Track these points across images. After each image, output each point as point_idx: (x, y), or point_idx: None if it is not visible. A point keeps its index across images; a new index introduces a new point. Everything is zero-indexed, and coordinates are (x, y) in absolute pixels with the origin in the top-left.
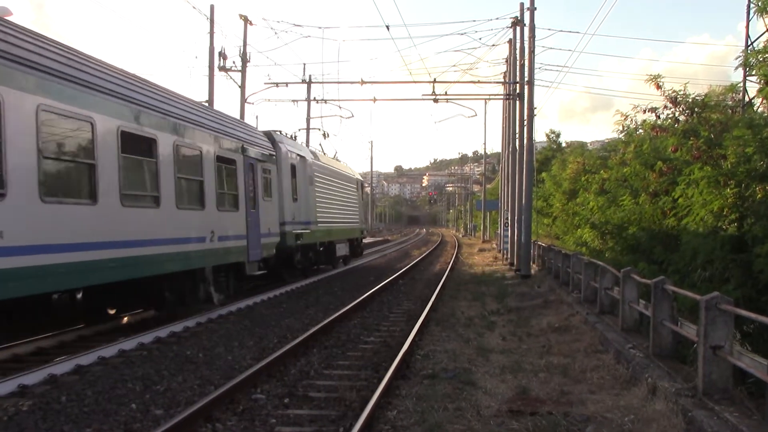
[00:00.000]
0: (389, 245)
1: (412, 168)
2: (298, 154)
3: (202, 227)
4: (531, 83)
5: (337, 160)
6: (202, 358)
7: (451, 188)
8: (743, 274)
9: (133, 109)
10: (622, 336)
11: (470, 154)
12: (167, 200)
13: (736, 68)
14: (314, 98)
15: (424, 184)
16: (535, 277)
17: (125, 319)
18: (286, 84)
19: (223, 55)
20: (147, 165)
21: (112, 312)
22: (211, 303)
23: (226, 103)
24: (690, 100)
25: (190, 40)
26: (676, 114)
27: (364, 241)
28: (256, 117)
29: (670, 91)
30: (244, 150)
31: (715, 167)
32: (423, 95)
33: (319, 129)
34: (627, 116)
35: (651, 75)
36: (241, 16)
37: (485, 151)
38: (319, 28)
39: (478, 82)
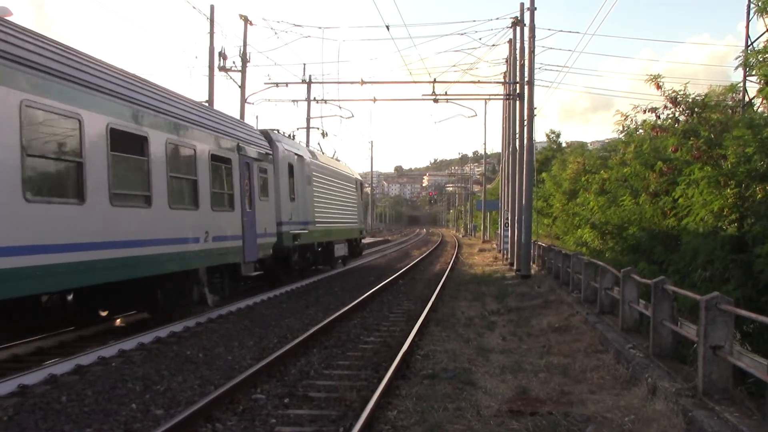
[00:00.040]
0: (389, 245)
1: (412, 168)
2: (296, 154)
3: (196, 227)
4: (531, 83)
5: (336, 159)
6: (202, 358)
7: (451, 188)
8: (743, 274)
9: (123, 105)
10: (622, 336)
11: (470, 155)
12: (159, 200)
13: (736, 68)
14: (314, 98)
15: (424, 185)
16: (535, 277)
17: (118, 321)
18: (286, 84)
19: (223, 55)
20: (138, 163)
21: (103, 314)
22: (205, 304)
23: (227, 104)
24: (690, 100)
25: (190, 40)
26: (676, 114)
27: (364, 241)
28: (256, 117)
29: (670, 91)
30: (240, 149)
31: (716, 167)
32: (423, 95)
33: (318, 128)
34: (627, 116)
35: (651, 75)
36: (241, 16)
37: (485, 151)
38: (319, 28)
39: (478, 82)
